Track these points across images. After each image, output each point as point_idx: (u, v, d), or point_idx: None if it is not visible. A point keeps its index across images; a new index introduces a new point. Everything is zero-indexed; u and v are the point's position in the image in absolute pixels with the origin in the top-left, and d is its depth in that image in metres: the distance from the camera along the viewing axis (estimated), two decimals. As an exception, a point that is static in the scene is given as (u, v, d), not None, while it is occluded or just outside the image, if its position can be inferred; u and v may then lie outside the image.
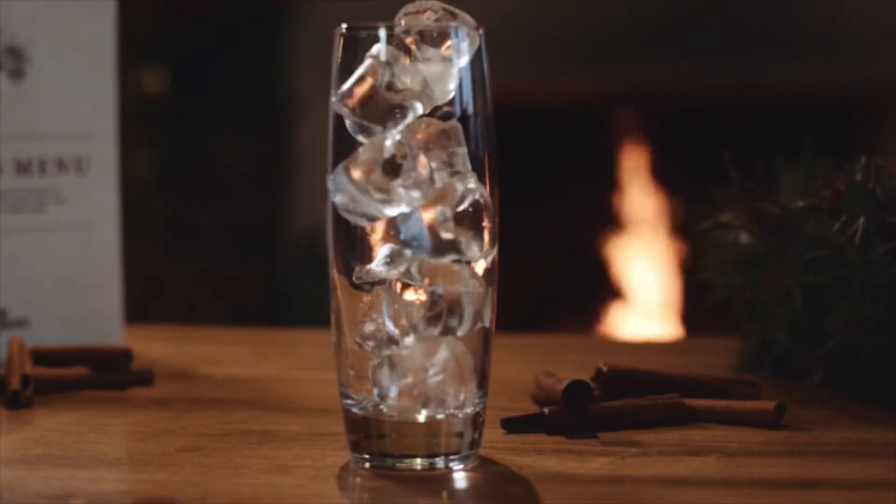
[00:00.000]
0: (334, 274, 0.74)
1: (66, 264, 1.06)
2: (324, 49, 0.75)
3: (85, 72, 1.06)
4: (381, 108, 0.71)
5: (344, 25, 0.73)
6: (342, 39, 0.73)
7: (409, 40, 0.71)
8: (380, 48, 0.71)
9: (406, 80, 0.71)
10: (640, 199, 2.66)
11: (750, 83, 2.55)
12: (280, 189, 2.79)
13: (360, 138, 0.72)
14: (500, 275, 0.74)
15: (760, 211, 0.95)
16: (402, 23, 0.72)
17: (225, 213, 2.79)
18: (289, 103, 2.72)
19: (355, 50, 0.73)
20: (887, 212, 0.90)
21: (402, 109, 0.71)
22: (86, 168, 1.07)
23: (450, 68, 0.72)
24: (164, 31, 2.74)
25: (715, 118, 2.52)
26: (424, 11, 0.72)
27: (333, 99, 0.72)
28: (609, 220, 2.69)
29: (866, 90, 2.62)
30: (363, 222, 0.72)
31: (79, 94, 1.06)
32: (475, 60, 0.73)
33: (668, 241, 2.62)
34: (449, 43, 0.72)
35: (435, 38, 0.71)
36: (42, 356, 0.96)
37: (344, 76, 0.73)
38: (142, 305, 1.77)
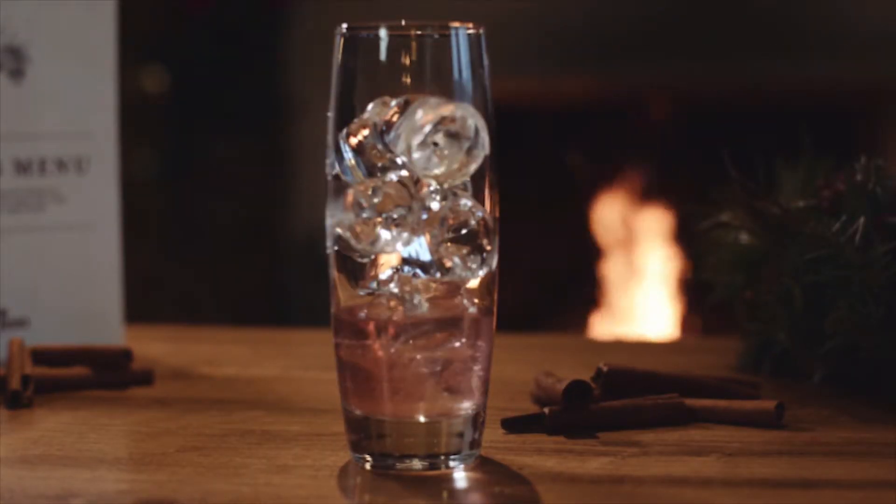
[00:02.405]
0: (334, 274, 0.74)
1: (66, 264, 1.06)
2: (324, 49, 0.75)
3: (85, 72, 1.06)
4: (372, 159, 0.72)
5: (344, 25, 0.73)
6: (342, 39, 0.73)
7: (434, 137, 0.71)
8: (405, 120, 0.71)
9: (401, 147, 0.71)
10: (640, 198, 2.66)
11: (750, 83, 2.55)
12: (280, 189, 2.79)
13: (347, 177, 0.73)
14: (500, 275, 0.74)
15: (760, 211, 0.95)
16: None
17: (225, 213, 2.79)
18: (289, 103, 2.72)
19: (355, 50, 0.73)
20: (887, 212, 0.90)
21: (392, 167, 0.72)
22: (86, 168, 1.07)
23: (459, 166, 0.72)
24: (164, 31, 2.74)
25: (715, 118, 2.52)
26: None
27: (339, 132, 0.73)
28: (609, 220, 2.69)
29: (866, 90, 2.62)
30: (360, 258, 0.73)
31: (79, 94, 1.06)
32: (475, 60, 0.73)
33: (669, 240, 2.62)
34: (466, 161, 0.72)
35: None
36: (42, 356, 0.96)
37: (344, 76, 0.73)
38: (142, 305, 1.77)
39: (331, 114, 0.74)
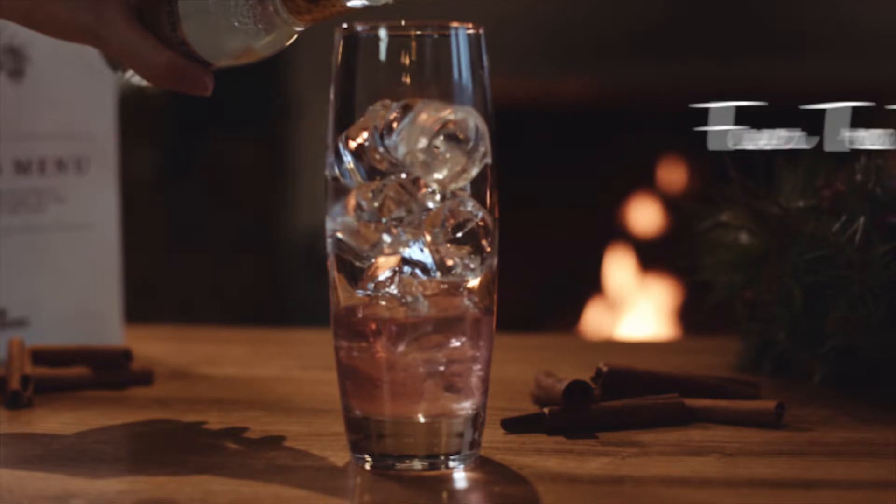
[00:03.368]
0: (334, 274, 0.74)
1: (66, 264, 1.06)
2: (324, 49, 0.75)
3: (85, 72, 1.06)
4: (372, 163, 0.72)
5: (344, 25, 0.73)
6: (342, 39, 0.73)
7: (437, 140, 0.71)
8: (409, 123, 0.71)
9: (403, 151, 0.71)
10: (640, 198, 2.66)
11: (750, 83, 2.55)
12: (280, 189, 2.79)
13: (346, 180, 0.72)
14: (500, 275, 0.74)
15: (760, 211, 0.95)
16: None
17: (225, 213, 2.79)
18: (289, 103, 2.72)
19: (355, 50, 0.73)
20: (887, 212, 0.90)
21: (392, 170, 0.72)
22: (86, 168, 1.07)
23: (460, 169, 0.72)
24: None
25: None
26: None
27: (339, 133, 0.73)
28: (609, 220, 2.69)
29: (866, 90, 2.62)
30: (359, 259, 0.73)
31: (79, 94, 1.06)
32: (475, 60, 0.73)
33: (669, 240, 2.62)
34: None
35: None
36: (42, 356, 0.96)
37: (344, 76, 0.73)
38: (142, 305, 1.77)
39: (330, 114, 0.74)
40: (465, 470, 0.73)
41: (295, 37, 0.77)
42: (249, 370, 1.05)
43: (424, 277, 0.72)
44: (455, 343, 0.72)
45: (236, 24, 0.75)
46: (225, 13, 0.75)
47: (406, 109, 0.71)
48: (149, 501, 0.69)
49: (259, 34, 0.75)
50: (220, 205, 2.78)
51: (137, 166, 2.58)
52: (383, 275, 0.72)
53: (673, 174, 2.61)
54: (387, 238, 0.71)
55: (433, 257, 0.71)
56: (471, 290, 0.73)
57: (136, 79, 0.82)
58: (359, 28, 0.73)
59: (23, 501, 0.69)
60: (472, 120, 0.72)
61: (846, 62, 2.55)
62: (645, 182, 2.65)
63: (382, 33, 0.72)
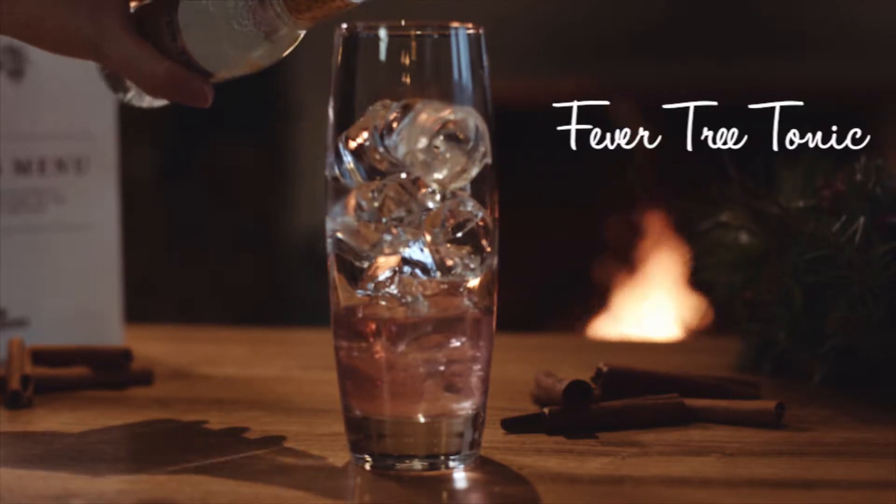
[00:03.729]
0: (334, 274, 0.74)
1: (66, 264, 1.06)
2: (323, 51, 0.75)
3: (85, 72, 1.06)
4: (372, 163, 0.72)
5: (344, 25, 0.73)
6: (342, 39, 0.73)
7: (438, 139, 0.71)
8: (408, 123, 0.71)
9: (403, 151, 0.71)
10: (640, 198, 2.66)
11: (751, 83, 2.55)
12: (280, 189, 2.79)
13: (346, 180, 0.72)
14: (500, 275, 0.74)
15: (760, 211, 0.95)
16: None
17: (225, 213, 2.79)
18: (289, 103, 2.72)
19: (355, 50, 0.73)
20: (887, 212, 0.90)
21: (392, 170, 0.72)
22: (86, 168, 1.07)
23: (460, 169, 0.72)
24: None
25: (715, 118, 2.52)
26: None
27: (339, 134, 0.73)
28: (610, 220, 2.69)
29: (866, 90, 2.62)
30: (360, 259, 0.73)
31: (79, 94, 1.06)
32: (475, 60, 0.73)
33: (669, 240, 2.62)
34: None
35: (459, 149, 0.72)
36: (42, 356, 0.96)
37: (344, 76, 0.73)
38: (142, 305, 1.77)
39: (330, 114, 0.74)
40: (465, 470, 0.73)
41: (295, 44, 0.76)
42: (249, 370, 1.05)
43: (424, 277, 0.72)
44: (455, 343, 0.72)
45: (236, 27, 0.75)
46: (225, 17, 0.75)
47: (406, 109, 0.71)
48: (149, 501, 0.69)
49: (259, 38, 0.75)
50: (219, 205, 2.78)
51: (137, 166, 2.58)
52: (383, 275, 0.72)
53: (673, 173, 2.61)
54: (387, 238, 0.71)
55: (433, 257, 0.71)
56: (471, 290, 0.73)
57: (136, 99, 0.82)
58: (359, 28, 0.73)
59: (23, 501, 0.69)
60: (472, 120, 0.72)
61: (846, 62, 2.55)
62: (644, 181, 2.65)
63: (382, 33, 0.72)
